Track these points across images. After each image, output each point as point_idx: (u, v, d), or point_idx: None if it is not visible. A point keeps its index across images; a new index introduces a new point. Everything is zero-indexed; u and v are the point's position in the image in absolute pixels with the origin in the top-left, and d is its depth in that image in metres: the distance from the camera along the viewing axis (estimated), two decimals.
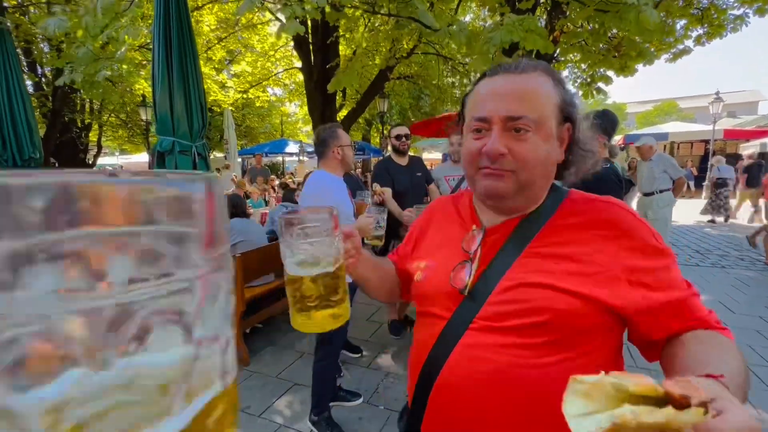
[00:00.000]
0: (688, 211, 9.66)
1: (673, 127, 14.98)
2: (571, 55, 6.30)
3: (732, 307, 3.68)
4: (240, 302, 2.64)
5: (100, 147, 19.53)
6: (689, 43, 6.82)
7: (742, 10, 6.17)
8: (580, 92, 7.81)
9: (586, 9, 4.53)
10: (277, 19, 8.79)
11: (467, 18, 10.10)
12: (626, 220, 0.65)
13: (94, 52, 5.64)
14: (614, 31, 5.77)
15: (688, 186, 14.42)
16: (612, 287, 0.60)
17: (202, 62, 10.34)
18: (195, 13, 8.31)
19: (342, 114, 10.65)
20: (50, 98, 10.53)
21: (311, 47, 8.17)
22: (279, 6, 3.54)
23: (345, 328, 2.06)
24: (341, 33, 8.49)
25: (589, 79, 6.71)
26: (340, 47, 9.47)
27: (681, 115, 29.02)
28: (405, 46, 7.98)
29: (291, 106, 16.74)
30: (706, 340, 0.58)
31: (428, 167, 3.44)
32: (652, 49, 5.92)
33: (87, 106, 14.96)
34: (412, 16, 4.37)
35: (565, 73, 9.53)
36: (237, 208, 3.15)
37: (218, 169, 10.78)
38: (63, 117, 12.59)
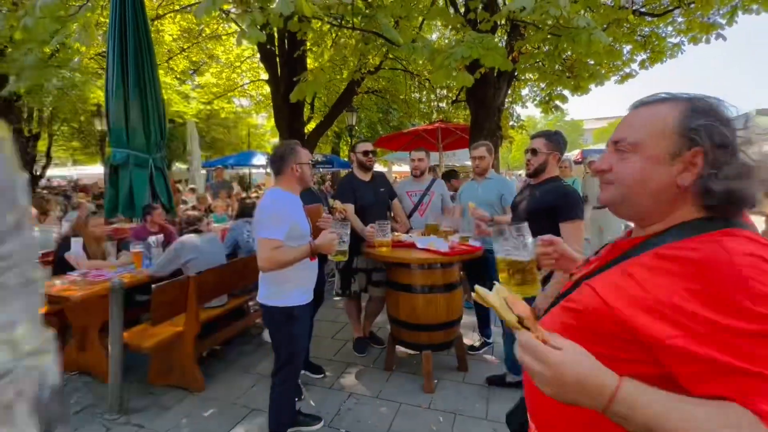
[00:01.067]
0: None
1: None
2: (529, 75, 6.61)
3: None
4: (194, 324, 2.50)
5: (49, 158, 18.30)
6: (635, 66, 7.36)
7: (678, 38, 6.75)
8: (539, 110, 8.20)
9: (541, 32, 4.80)
10: (242, 30, 8.70)
11: (434, 36, 10.42)
12: (723, 263, 0.57)
13: (43, 59, 5.30)
14: (568, 53, 6.15)
15: None
16: (639, 312, 0.61)
17: (162, 72, 9.99)
18: (156, 23, 8.05)
19: (310, 127, 10.59)
20: None
21: (278, 60, 8.12)
22: (239, 11, 3.47)
23: (306, 348, 1.99)
24: (309, 47, 8.51)
25: (547, 98, 7.08)
26: (309, 60, 9.47)
27: None
28: (372, 61, 8.08)
29: (258, 118, 16.47)
30: (714, 407, 0.53)
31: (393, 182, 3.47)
32: (602, 71, 6.32)
33: (35, 114, 14.03)
34: (377, 31, 4.45)
35: (525, 91, 10.01)
36: (193, 224, 3.01)
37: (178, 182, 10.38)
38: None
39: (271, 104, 9.01)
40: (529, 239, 1.02)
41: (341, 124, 13.06)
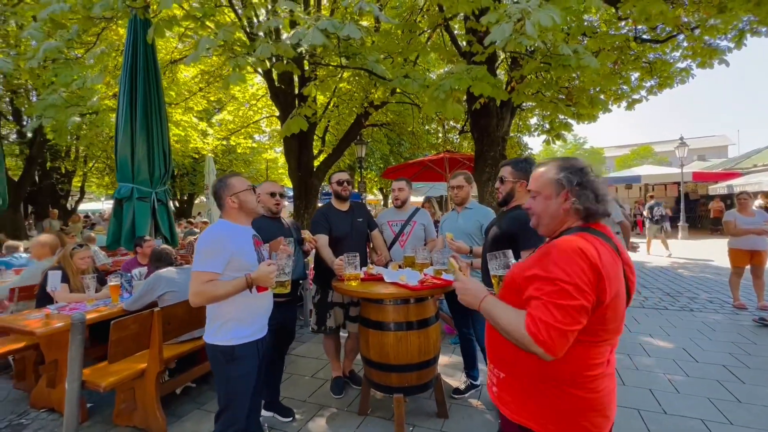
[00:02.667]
0: (661, 252, 9.67)
1: (645, 170, 15.49)
2: (526, 104, 6.56)
3: (695, 355, 3.52)
4: (157, 361, 2.42)
5: (83, 192, 19.46)
6: (643, 92, 7.20)
7: (686, 63, 6.59)
8: (542, 138, 8.08)
9: (533, 61, 4.79)
10: (256, 71, 9.17)
11: (444, 70, 10.63)
12: (555, 246, 1.07)
13: (66, 99, 5.69)
14: (567, 82, 6.09)
15: (662, 227, 14.63)
16: (519, 272, 1.14)
17: (180, 111, 10.60)
18: (174, 66, 8.60)
19: (320, 159, 10.81)
20: (29, 146, 10.57)
21: (287, 97, 8.44)
22: (231, 56, 3.63)
23: (254, 391, 1.86)
24: (316, 83, 8.86)
25: (548, 126, 6.96)
26: (319, 97, 9.81)
27: (656, 158, 30.22)
28: (378, 96, 8.27)
29: (275, 152, 17.04)
30: (515, 309, 1.09)
31: (372, 213, 3.39)
32: (602, 97, 6.20)
33: (72, 153, 15.07)
34: (364, 67, 4.55)
35: (533, 120, 9.94)
36: (162, 259, 3.00)
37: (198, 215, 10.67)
38: (41, 164, 12.59)
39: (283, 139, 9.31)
40: (512, 260, 1.47)
41: (354, 156, 13.30)
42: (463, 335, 2.96)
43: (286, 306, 2.49)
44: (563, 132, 7.14)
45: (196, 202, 20.91)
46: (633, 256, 8.62)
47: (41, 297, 3.05)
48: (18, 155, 11.44)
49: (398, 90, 8.51)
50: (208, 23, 4.48)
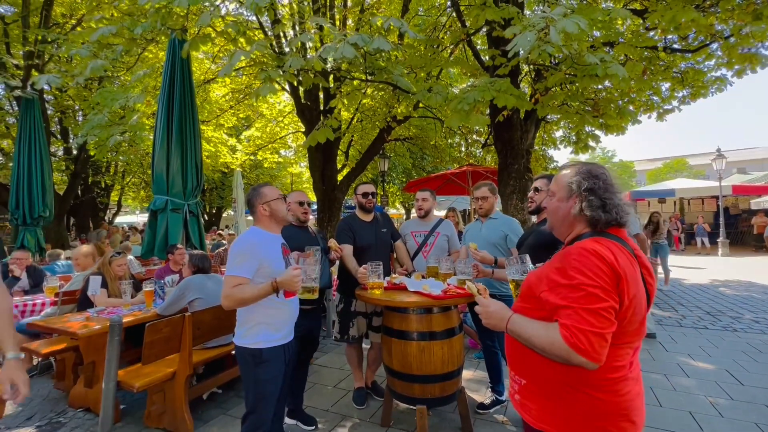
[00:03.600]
0: (701, 270, 9.15)
1: (679, 184, 14.83)
2: (551, 116, 6.50)
3: (740, 377, 3.29)
4: (186, 365, 2.50)
5: (120, 206, 20.54)
6: (675, 103, 6.98)
7: (720, 72, 6.37)
8: (571, 150, 7.92)
9: (558, 73, 4.76)
10: (283, 88, 9.53)
11: (467, 85, 10.72)
12: (571, 252, 1.07)
13: (109, 119, 6.11)
14: (593, 94, 6.00)
15: (703, 243, 13.86)
16: (538, 282, 1.14)
17: (211, 128, 11.10)
18: (207, 86, 9.06)
19: (344, 173, 11.01)
20: (74, 162, 11.31)
21: (312, 113, 8.71)
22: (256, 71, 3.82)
23: (278, 397, 1.88)
24: (340, 98, 9.10)
25: (575, 138, 6.83)
26: (343, 112, 10.06)
27: (692, 171, 28.92)
28: (401, 110, 8.40)
29: (300, 167, 17.49)
30: (544, 323, 1.07)
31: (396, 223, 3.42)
32: (631, 108, 6.06)
33: (111, 169, 16.00)
34: (389, 81, 4.66)
35: (559, 133, 9.78)
36: (202, 264, 3.12)
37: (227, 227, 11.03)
38: (84, 179, 13.42)
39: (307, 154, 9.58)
40: (529, 266, 1.54)
41: (376, 170, 13.46)
42: (487, 348, 2.90)
43: (311, 314, 2.54)
44: (591, 143, 7.01)
45: (223, 215, 21.63)
46: (674, 273, 8.13)
47: (82, 301, 3.22)
48: (63, 170, 12.25)
49: (421, 104, 8.65)
50: (241, 40, 4.71)
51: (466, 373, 3.47)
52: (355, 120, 9.71)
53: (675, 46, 5.92)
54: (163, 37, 4.55)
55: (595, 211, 1.10)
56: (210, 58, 8.99)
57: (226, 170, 12.99)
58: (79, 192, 13.62)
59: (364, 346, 3.09)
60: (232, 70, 3.56)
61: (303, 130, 10.05)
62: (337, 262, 2.93)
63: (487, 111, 5.88)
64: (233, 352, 2.19)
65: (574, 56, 3.92)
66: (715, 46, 5.76)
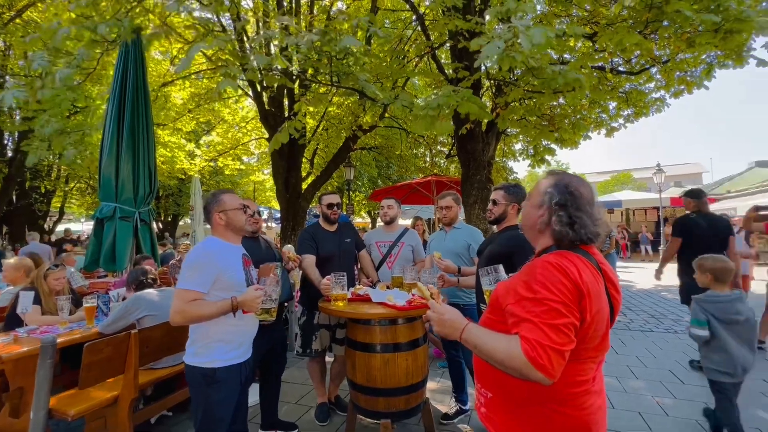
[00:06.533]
0: (645, 275, 9.83)
1: (625, 195, 15.98)
2: (511, 130, 6.77)
3: (682, 377, 3.53)
4: (131, 388, 2.30)
5: (62, 213, 18.92)
6: (621, 121, 7.51)
7: (660, 93, 6.94)
8: (528, 163, 8.28)
9: (518, 89, 4.98)
10: (246, 94, 9.28)
11: (423, 99, 10.97)
12: (536, 265, 1.07)
13: (62, 126, 5.62)
14: (556, 110, 6.34)
15: (646, 250, 14.95)
16: (505, 294, 1.11)
17: (168, 132, 10.58)
18: (164, 89, 8.64)
19: (308, 182, 10.85)
20: (8, 164, 10.32)
21: (277, 120, 8.54)
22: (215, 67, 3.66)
23: (232, 420, 1.76)
24: (308, 99, 9.00)
25: (533, 151, 7.17)
26: (308, 120, 9.94)
27: (636, 184, 31.21)
28: (367, 119, 8.43)
29: (263, 174, 17.03)
30: (503, 335, 1.04)
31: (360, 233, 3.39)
32: (584, 124, 6.44)
33: (53, 173, 14.75)
34: (356, 87, 4.65)
35: (518, 146, 10.22)
36: (142, 281, 2.89)
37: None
38: (20, 183, 12.26)
39: (271, 161, 9.35)
40: (503, 276, 1.54)
41: (341, 179, 13.38)
42: (451, 358, 2.91)
43: (274, 327, 2.42)
44: (547, 156, 7.37)
45: (180, 223, 20.56)
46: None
47: (11, 319, 2.89)
48: None
49: (387, 114, 8.73)
50: (207, 39, 4.52)
51: (430, 384, 3.46)
52: (320, 128, 9.62)
53: (620, 68, 6.38)
54: (126, 36, 4.26)
55: (563, 227, 1.08)
56: (168, 59, 8.60)
57: (183, 176, 12.39)
58: (14, 198, 12.43)
59: (327, 359, 3.00)
60: (190, 65, 3.37)
61: (267, 136, 9.83)
62: (300, 273, 2.84)
63: (451, 121, 6.03)
64: None
65: (535, 70, 4.10)
66: (654, 70, 6.27)
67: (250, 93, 8.37)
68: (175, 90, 9.26)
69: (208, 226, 2.34)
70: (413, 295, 2.44)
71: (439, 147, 10.64)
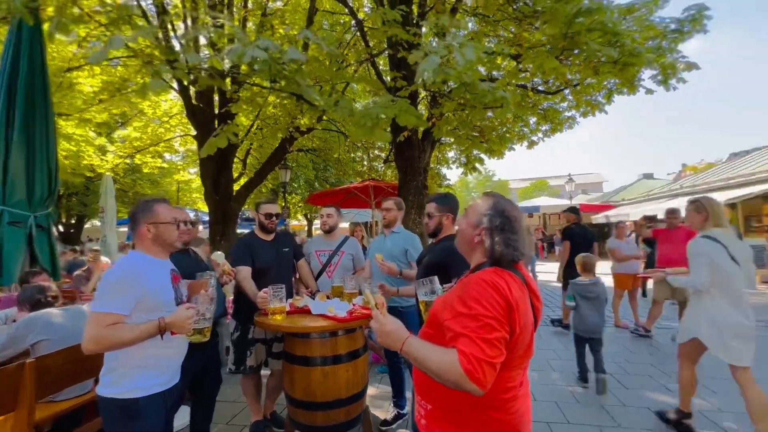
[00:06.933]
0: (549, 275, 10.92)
1: (542, 201, 17.69)
2: (445, 138, 7.12)
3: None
4: (24, 425, 1.96)
5: None
6: (540, 135, 8.29)
7: (572, 112, 7.81)
8: (461, 171, 8.74)
9: (452, 102, 5.24)
10: (171, 87, 8.52)
11: (361, 103, 11.05)
12: (471, 282, 1.15)
13: None
14: (486, 122, 6.77)
15: (560, 251, 16.70)
16: (442, 309, 1.18)
17: (73, 123, 9.30)
18: (69, 75, 7.60)
19: (240, 183, 10.30)
20: None
21: (206, 116, 7.96)
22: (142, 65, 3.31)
23: None
24: (241, 105, 8.51)
25: (465, 160, 7.63)
26: (242, 119, 9.43)
27: (551, 191, 34.68)
28: (304, 121, 8.24)
29: (189, 173, 15.77)
30: (444, 348, 1.09)
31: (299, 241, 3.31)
32: (510, 137, 7.00)
33: None
34: (296, 91, 4.54)
35: (451, 153, 10.76)
36: (36, 301, 2.49)
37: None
38: None
39: (198, 160, 8.69)
40: (437, 286, 1.61)
41: (276, 181, 12.91)
42: (392, 364, 2.96)
43: (205, 346, 2.24)
44: (477, 165, 7.87)
45: (86, 226, 18.16)
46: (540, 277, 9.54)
47: None
48: None
49: (325, 117, 8.62)
50: (125, 28, 4.05)
51: (369, 390, 3.47)
52: (254, 127, 9.18)
53: (540, 88, 7.05)
54: (19, 14, 3.63)
55: (500, 248, 1.18)
56: (75, 41, 7.56)
57: (91, 174, 10.97)
58: None
59: (262, 372, 2.87)
60: (106, 55, 3.00)
61: (194, 133, 9.11)
62: (233, 285, 2.68)
63: (389, 129, 6.16)
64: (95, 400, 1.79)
65: (468, 86, 4.35)
66: (567, 91, 7.03)
67: (175, 86, 7.70)
68: (83, 76, 8.17)
69: (122, 230, 2.07)
70: (354, 305, 2.44)
71: (377, 152, 10.78)
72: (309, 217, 20.94)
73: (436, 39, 5.30)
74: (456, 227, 1.39)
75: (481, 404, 1.12)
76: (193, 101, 7.71)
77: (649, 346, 4.69)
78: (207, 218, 8.93)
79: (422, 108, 8.47)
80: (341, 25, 8.49)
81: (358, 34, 6.54)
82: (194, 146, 11.47)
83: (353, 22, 7.06)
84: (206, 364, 2.25)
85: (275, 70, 4.64)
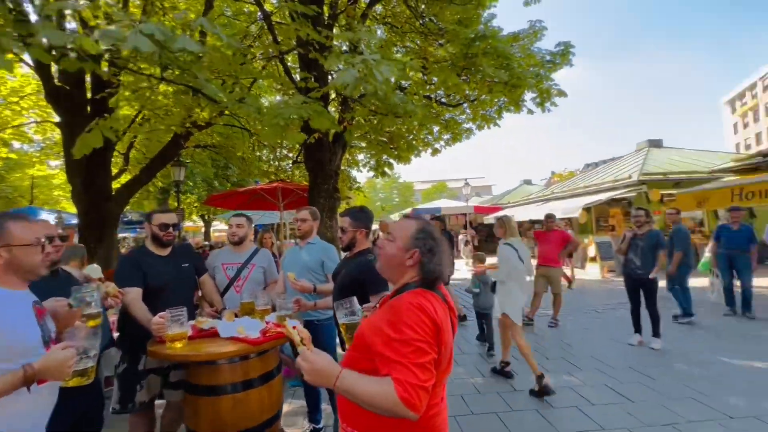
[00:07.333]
0: (460, 272, 11.93)
1: (443, 203, 19.15)
2: (361, 143, 7.21)
3: (459, 360, 4.46)
4: None
5: None
6: (442, 143, 8.92)
7: (469, 124, 8.58)
8: (371, 173, 8.96)
9: (364, 108, 5.30)
10: (22, 60, 6.90)
11: (267, 99, 10.50)
12: (400, 306, 1.15)
13: None
14: (390, 128, 7.01)
15: (459, 250, 18.22)
16: (371, 333, 1.16)
17: None
18: None
19: (122, 180, 8.90)
20: None
21: (74, 101, 6.65)
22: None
23: None
24: (123, 92, 7.29)
25: (375, 164, 7.82)
26: (124, 109, 8.11)
27: (450, 193, 37.72)
28: (202, 115, 7.46)
29: (49, 167, 13.02)
30: (378, 378, 1.07)
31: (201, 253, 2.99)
32: (416, 144, 7.40)
33: None
34: (192, 85, 4.08)
35: (360, 157, 10.91)
36: None
37: None
38: None
39: (63, 152, 7.20)
40: (357, 307, 1.56)
41: (168, 179, 11.48)
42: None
43: (85, 387, 1.85)
44: (386, 170, 8.13)
45: None
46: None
47: None
48: None
49: (227, 112, 7.93)
50: None
51: (282, 408, 3.33)
52: (140, 118, 8.00)
53: (443, 100, 7.59)
54: None
55: (431, 267, 1.22)
56: None
57: None
58: None
59: (157, 402, 2.50)
60: None
61: (56, 120, 7.53)
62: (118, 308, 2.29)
63: (300, 132, 5.97)
64: None
65: (381, 97, 4.45)
66: (466, 105, 7.71)
67: (29, 61, 6.25)
68: None
69: None
70: (267, 322, 2.30)
71: (285, 152, 10.34)
72: (207, 218, 19.14)
73: (348, 44, 5.32)
74: (380, 249, 1.33)
75: (406, 426, 1.13)
76: (56, 82, 6.39)
77: (534, 334, 5.42)
78: (73, 220, 7.49)
79: (333, 109, 8.42)
80: (246, 14, 7.92)
81: (266, 27, 6.18)
82: (57, 135, 9.49)
83: (259, 13, 6.65)
84: (87, 409, 1.86)
85: (166, 58, 4.12)
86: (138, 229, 14.09)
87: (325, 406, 3.04)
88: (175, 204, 11.20)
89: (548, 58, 6.53)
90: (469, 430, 2.91)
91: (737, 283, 5.93)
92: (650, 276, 4.58)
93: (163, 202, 13.52)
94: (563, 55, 6.46)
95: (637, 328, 4.82)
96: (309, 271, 2.76)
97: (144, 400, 2.30)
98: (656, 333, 4.62)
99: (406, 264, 1.25)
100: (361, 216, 2.31)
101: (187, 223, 22.05)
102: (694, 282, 8.51)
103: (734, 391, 3.36)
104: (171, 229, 2.43)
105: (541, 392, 3.37)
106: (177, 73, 4.29)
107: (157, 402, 2.47)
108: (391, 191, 36.59)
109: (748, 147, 40.80)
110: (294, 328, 1.18)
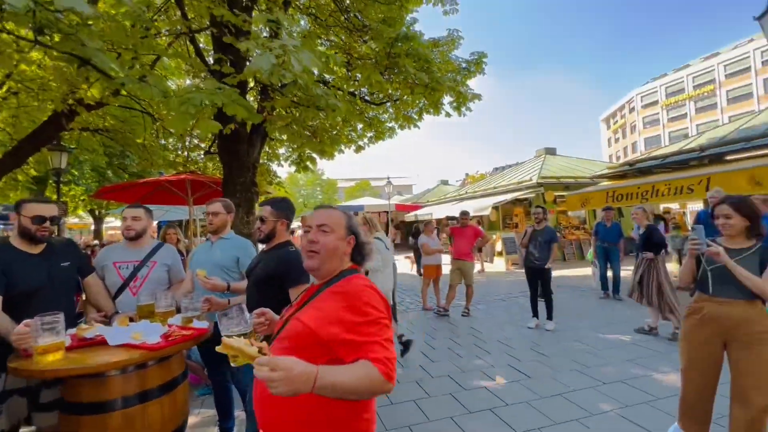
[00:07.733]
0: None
1: (366, 201, 19.39)
2: (283, 135, 6.93)
3: (428, 353, 4.61)
4: None
5: None
6: (366, 141, 8.99)
7: (392, 123, 8.79)
8: (293, 168, 8.66)
9: (285, 98, 5.08)
10: None
11: (174, 82, 9.49)
12: (356, 290, 1.18)
13: None
14: (317, 122, 6.84)
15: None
16: (324, 325, 1.12)
17: None
18: None
19: None
20: None
21: None
22: None
23: None
24: None
25: (297, 158, 7.57)
26: None
27: (373, 192, 38.29)
28: (94, 94, 6.42)
29: None
30: (354, 364, 1.04)
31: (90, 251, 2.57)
32: (340, 139, 7.36)
33: None
34: (79, 54, 3.46)
35: (281, 150, 10.46)
36: None
37: None
38: None
39: None
40: (247, 314, 1.37)
41: (43, 166, 9.70)
42: (217, 384, 2.64)
43: None
44: (309, 165, 7.92)
45: None
46: None
47: None
48: None
49: (123, 92, 6.95)
50: None
51: (190, 419, 3.02)
52: (4, 90, 6.62)
53: (366, 98, 7.64)
54: None
55: (363, 251, 1.34)
56: None
57: None
58: None
59: (23, 430, 2.09)
60: None
61: None
62: None
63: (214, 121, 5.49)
64: None
65: (303, 88, 4.29)
66: (389, 104, 7.87)
67: None
68: None
69: None
70: (170, 326, 2.06)
71: (196, 141, 9.41)
72: (99, 214, 16.64)
73: (268, 30, 5.05)
74: (313, 243, 1.26)
75: (355, 410, 1.14)
76: None
77: (449, 324, 5.76)
78: None
79: (251, 98, 7.90)
80: None
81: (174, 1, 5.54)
82: None
83: None
84: None
85: (44, 18, 3.45)
86: (2, 225, 11.68)
87: (239, 413, 2.84)
88: (55, 196, 9.48)
89: (464, 65, 6.99)
90: (387, 421, 2.97)
91: (611, 274, 7.06)
92: (546, 266, 5.19)
93: (38, 193, 11.37)
94: (477, 63, 6.97)
95: (535, 313, 5.43)
96: (222, 269, 2.54)
97: (4, 429, 1.89)
98: (550, 316, 5.25)
99: (344, 252, 1.30)
100: (283, 206, 2.20)
101: (72, 219, 18.93)
102: (581, 271, 9.86)
103: (608, 361, 3.97)
104: (48, 223, 2.03)
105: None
106: (58, 39, 3.62)
107: (24, 430, 2.06)
108: (314, 188, 35.77)
109: (618, 158, 48.67)
110: (250, 342, 0.99)
